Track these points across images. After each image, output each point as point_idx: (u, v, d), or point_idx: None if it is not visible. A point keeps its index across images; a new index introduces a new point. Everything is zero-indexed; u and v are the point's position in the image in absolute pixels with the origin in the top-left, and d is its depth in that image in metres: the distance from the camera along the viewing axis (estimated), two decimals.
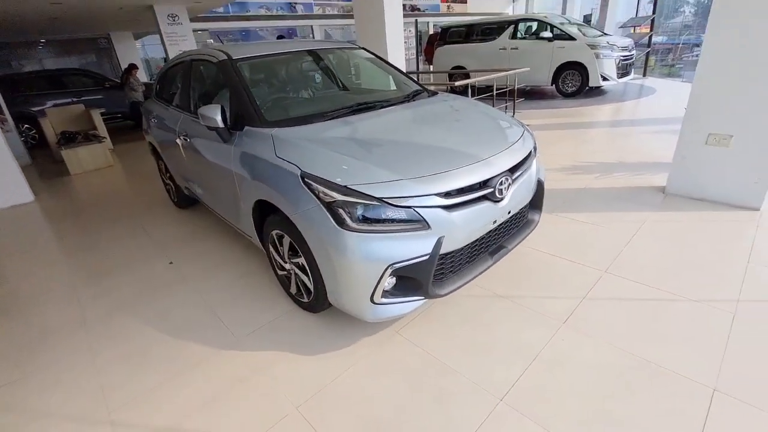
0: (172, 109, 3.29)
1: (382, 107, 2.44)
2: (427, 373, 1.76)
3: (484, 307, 2.15)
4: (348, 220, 1.65)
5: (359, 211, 1.66)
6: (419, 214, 1.68)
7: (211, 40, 14.40)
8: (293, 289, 2.23)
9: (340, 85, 3.12)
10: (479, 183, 1.84)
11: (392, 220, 1.67)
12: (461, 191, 1.79)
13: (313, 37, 16.51)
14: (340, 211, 1.66)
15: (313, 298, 2.03)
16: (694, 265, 2.33)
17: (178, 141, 3.05)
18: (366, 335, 2.01)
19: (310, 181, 1.74)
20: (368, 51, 3.20)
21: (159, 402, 1.75)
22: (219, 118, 2.19)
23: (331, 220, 1.66)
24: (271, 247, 2.25)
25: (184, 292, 2.57)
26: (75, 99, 8.73)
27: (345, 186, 1.67)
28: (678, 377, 1.63)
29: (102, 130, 7.18)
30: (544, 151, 4.73)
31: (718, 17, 2.65)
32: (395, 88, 3.01)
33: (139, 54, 14.55)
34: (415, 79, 3.10)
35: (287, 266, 2.16)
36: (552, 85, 8.10)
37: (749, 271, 2.23)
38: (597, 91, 8.12)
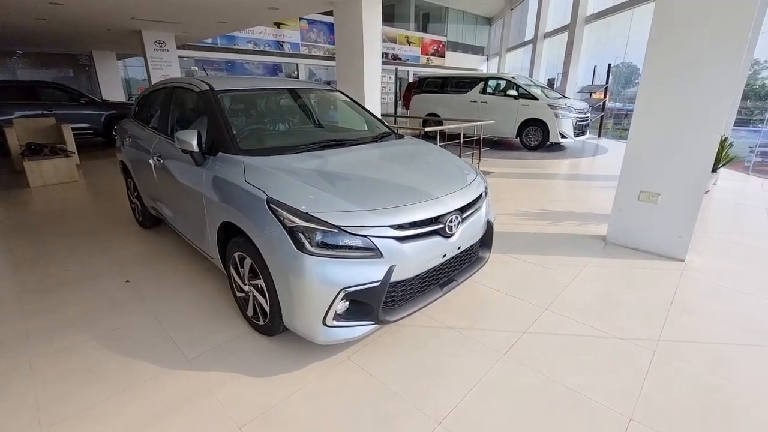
0: (148, 130, 3.38)
1: (351, 145, 2.64)
2: (372, 398, 1.83)
3: (432, 336, 2.27)
4: (307, 245, 1.77)
5: (318, 237, 1.79)
6: (373, 242, 1.83)
7: (196, 68, 14.68)
8: (250, 312, 2.28)
9: (315, 122, 3.34)
10: (431, 219, 2.03)
11: (348, 247, 1.81)
12: (414, 225, 1.96)
13: (298, 75, 17.11)
14: (300, 235, 1.78)
15: (269, 320, 2.09)
16: (624, 307, 2.57)
17: (151, 161, 3.13)
18: (317, 360, 2.07)
19: (275, 206, 1.86)
20: (344, 94, 3.46)
21: (97, 419, 1.72)
22: (195, 142, 2.32)
23: (291, 243, 1.78)
24: (232, 268, 2.31)
25: (138, 312, 2.55)
26: (46, 111, 8.58)
27: (307, 213, 1.81)
28: (600, 406, 1.78)
29: (71, 144, 7.07)
30: (504, 196, 5.07)
31: (646, 89, 3.07)
32: (366, 128, 3.24)
33: (120, 74, 14.56)
34: (385, 123, 3.35)
35: (246, 288, 2.23)
36: (517, 138, 8.73)
37: (670, 314, 2.48)
38: (557, 147, 8.80)
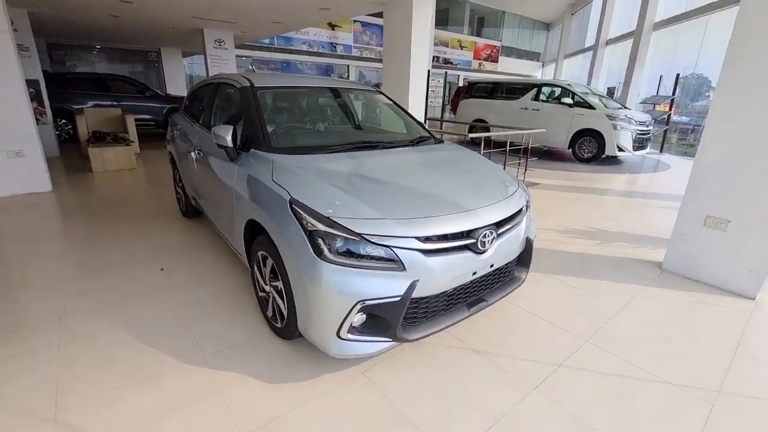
0: (193, 124, 3.48)
1: (385, 148, 2.54)
2: (383, 420, 1.71)
3: (456, 359, 2.10)
4: (326, 251, 1.69)
5: (338, 244, 1.70)
6: (396, 254, 1.71)
7: (252, 68, 15.31)
8: (270, 312, 2.24)
9: (352, 122, 3.27)
10: (462, 232, 1.87)
11: (369, 257, 1.70)
12: (442, 238, 1.82)
13: (348, 77, 17.36)
14: (320, 241, 1.70)
15: (286, 324, 2.03)
16: (679, 348, 2.26)
17: (192, 154, 3.20)
18: (331, 371, 1.98)
19: (297, 208, 1.80)
20: (384, 95, 3.37)
21: (108, 407, 1.73)
22: (229, 137, 2.32)
23: (310, 248, 1.70)
24: (255, 267, 2.28)
25: (167, 300, 2.60)
26: (115, 103, 9.27)
27: (328, 217, 1.72)
28: None
29: (132, 134, 7.56)
30: (550, 210, 4.75)
31: (721, 102, 2.71)
32: (405, 131, 3.13)
33: (184, 70, 15.48)
34: (425, 126, 3.22)
35: (267, 288, 2.18)
36: (569, 148, 8.24)
37: (735, 361, 2.14)
38: (613, 161, 8.21)
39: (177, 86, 14.53)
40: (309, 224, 1.73)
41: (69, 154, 7.62)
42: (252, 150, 2.34)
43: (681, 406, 1.83)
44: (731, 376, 2.03)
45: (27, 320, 2.36)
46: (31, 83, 6.98)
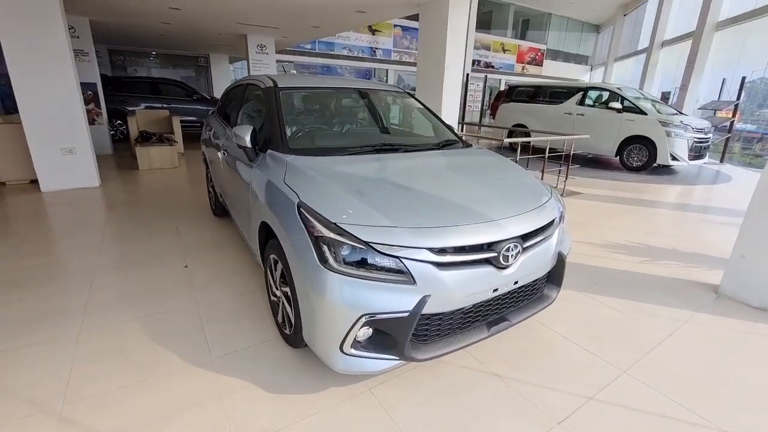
0: (222, 125, 3.53)
1: (407, 151, 2.41)
2: None
3: (472, 382, 1.93)
4: (331, 260, 1.58)
5: (344, 252, 1.59)
6: (406, 266, 1.58)
7: (294, 72, 15.72)
8: (279, 318, 2.17)
9: (377, 124, 3.17)
10: (482, 245, 1.71)
11: (376, 268, 1.58)
12: (459, 250, 1.66)
13: (387, 80, 17.39)
14: (325, 248, 1.60)
15: (293, 331, 1.95)
16: (735, 386, 1.95)
17: (219, 154, 3.24)
18: (337, 385, 1.87)
19: (304, 212, 1.71)
20: (412, 96, 3.25)
21: (112, 405, 1.72)
22: (248, 138, 2.29)
23: (315, 255, 1.61)
24: (268, 270, 2.23)
25: (184, 299, 2.61)
26: (165, 105, 9.78)
27: (334, 223, 1.62)
28: None
29: (177, 134, 7.92)
30: (591, 222, 4.41)
31: None
32: (431, 135, 2.99)
33: (231, 75, 16.16)
34: (453, 129, 3.06)
35: (278, 293, 2.12)
36: (616, 156, 7.71)
37: None
38: (666, 170, 7.58)
39: (223, 90, 15.18)
40: (315, 230, 1.64)
41: (122, 152, 8.11)
42: (269, 151, 2.29)
43: None
44: None
45: (53, 311, 2.44)
46: (89, 86, 7.52)
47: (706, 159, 7.57)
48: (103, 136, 7.73)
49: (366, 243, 1.57)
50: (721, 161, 8.81)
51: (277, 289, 2.11)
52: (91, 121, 7.40)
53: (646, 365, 2.09)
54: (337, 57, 16.06)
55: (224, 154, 3.09)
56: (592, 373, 2.02)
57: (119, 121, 9.40)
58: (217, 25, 8.26)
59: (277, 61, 11.04)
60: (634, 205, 5.26)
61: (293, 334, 1.96)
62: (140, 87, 10.04)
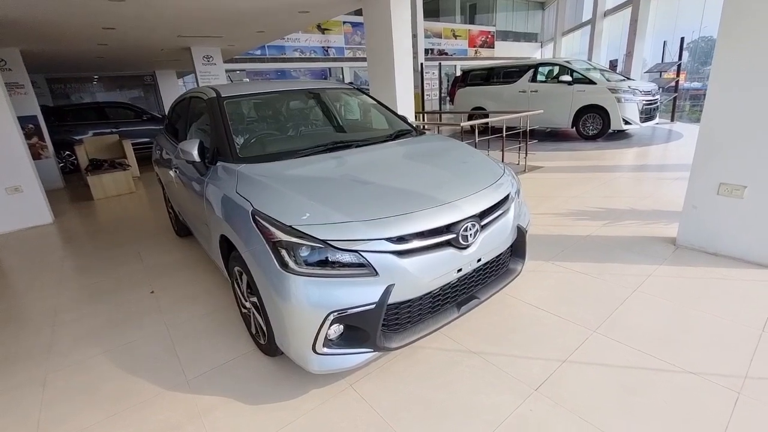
0: (171, 141, 3.41)
1: (358, 146, 2.40)
2: None
3: (451, 363, 1.95)
4: (291, 263, 1.56)
5: (303, 254, 1.57)
6: (366, 258, 1.57)
7: (247, 80, 15.37)
8: (253, 329, 2.13)
9: (326, 123, 3.14)
10: (440, 228, 1.72)
11: (337, 264, 1.57)
12: (417, 236, 1.67)
13: (343, 79, 17.27)
14: (284, 252, 1.58)
15: (267, 340, 1.92)
16: (698, 330, 2.06)
17: (171, 173, 3.13)
18: (317, 387, 1.86)
19: (259, 219, 1.68)
20: (361, 91, 3.24)
21: None
22: (195, 152, 2.23)
23: (275, 260, 1.58)
24: (235, 283, 2.18)
25: (153, 325, 2.52)
26: (114, 129, 9.37)
27: (290, 226, 1.60)
28: None
29: (130, 158, 7.61)
30: (553, 194, 4.54)
31: (723, 57, 2.48)
32: (384, 127, 2.99)
33: (179, 90, 15.64)
34: (407, 119, 3.07)
35: (248, 305, 2.08)
36: (572, 127, 7.95)
37: (763, 341, 1.93)
38: (621, 135, 7.88)
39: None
40: (272, 235, 1.62)
41: (74, 183, 7.73)
42: (219, 162, 2.24)
43: (702, 398, 1.64)
44: (758, 360, 1.82)
45: (15, 356, 2.31)
46: (29, 119, 7.10)
47: (657, 120, 7.92)
48: (51, 170, 7.33)
49: (323, 241, 1.56)
50: (672, 120, 9.24)
51: (246, 300, 2.07)
52: (37, 156, 7.01)
53: (614, 322, 2.18)
54: (290, 60, 15.80)
55: (176, 171, 2.99)
56: (564, 337, 2.08)
57: (67, 152, 8.96)
58: (156, 41, 7.94)
59: (227, 70, 10.75)
60: (593, 172, 5.45)
61: (267, 343, 1.93)
62: (85, 114, 9.59)
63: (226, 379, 1.97)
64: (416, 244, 1.66)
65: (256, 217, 1.69)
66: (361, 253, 1.57)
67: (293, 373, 1.95)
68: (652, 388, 1.72)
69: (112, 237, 4.36)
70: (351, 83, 16.12)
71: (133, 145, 7.99)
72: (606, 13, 14.61)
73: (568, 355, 1.95)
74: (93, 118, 9.53)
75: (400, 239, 1.63)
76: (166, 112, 4.63)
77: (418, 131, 2.82)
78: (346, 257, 1.57)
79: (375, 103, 3.16)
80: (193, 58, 8.95)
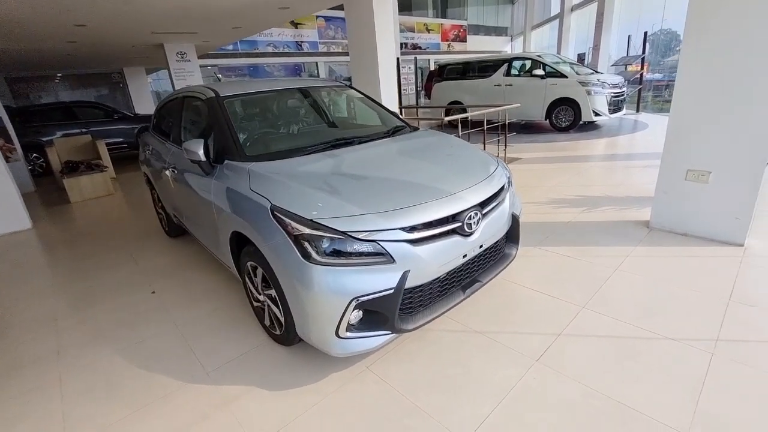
0: (164, 142, 3.40)
1: (361, 142, 2.51)
2: (393, 412, 1.72)
3: (458, 342, 2.12)
4: (313, 254, 1.67)
5: (324, 245, 1.68)
6: (384, 248, 1.70)
7: (220, 76, 15.03)
8: (267, 321, 2.22)
9: (325, 120, 3.23)
10: (447, 217, 1.87)
11: (357, 254, 1.69)
12: (427, 225, 1.81)
13: (318, 74, 17.15)
14: (306, 244, 1.68)
15: (284, 330, 2.02)
16: (674, 302, 2.30)
17: (167, 173, 3.14)
18: (336, 371, 1.98)
19: (278, 214, 1.77)
20: (354, 89, 3.33)
21: None
22: (201, 152, 2.27)
23: (297, 253, 1.68)
24: (246, 278, 2.26)
25: (162, 322, 2.56)
26: (84, 130, 9.03)
27: (311, 220, 1.70)
28: (650, 421, 1.57)
29: (106, 159, 7.39)
30: (534, 183, 4.78)
31: (689, 52, 2.72)
32: (380, 123, 3.10)
33: (149, 87, 15.13)
34: (399, 115, 3.19)
35: (261, 298, 2.16)
36: (546, 120, 8.28)
37: (730, 308, 2.19)
38: (591, 126, 8.27)
39: (144, 104, 14.19)
40: (293, 229, 1.71)
41: (46, 187, 7.43)
42: (226, 161, 2.29)
43: (682, 359, 1.87)
44: (727, 324, 2.08)
45: (27, 360, 2.31)
46: None
47: (624, 111, 8.36)
48: (21, 173, 7.02)
49: (344, 233, 1.67)
50: (638, 111, 9.75)
51: (259, 294, 2.15)
52: (5, 159, 6.70)
53: (600, 298, 2.39)
54: (263, 55, 15.54)
55: (173, 171, 3.01)
56: (558, 314, 2.28)
57: (35, 155, 8.58)
58: (129, 38, 7.69)
59: (201, 66, 10.50)
60: (569, 162, 5.75)
61: (284, 333, 2.03)
62: (53, 114, 9.18)
63: (245, 370, 2.06)
64: (427, 232, 1.80)
65: (276, 212, 1.78)
66: (379, 242, 1.69)
67: (310, 360, 2.06)
68: (639, 353, 1.93)
69: (99, 240, 4.28)
70: (348, 80, 16.05)
71: (106, 145, 7.74)
72: (573, 8, 15.12)
73: (562, 329, 2.15)
74: (61, 119, 9.14)
75: (413, 228, 1.77)
76: (145, 111, 4.55)
77: (411, 127, 2.95)
78: (366, 247, 1.69)
79: (368, 100, 3.26)
80: (167, 54, 8.73)
